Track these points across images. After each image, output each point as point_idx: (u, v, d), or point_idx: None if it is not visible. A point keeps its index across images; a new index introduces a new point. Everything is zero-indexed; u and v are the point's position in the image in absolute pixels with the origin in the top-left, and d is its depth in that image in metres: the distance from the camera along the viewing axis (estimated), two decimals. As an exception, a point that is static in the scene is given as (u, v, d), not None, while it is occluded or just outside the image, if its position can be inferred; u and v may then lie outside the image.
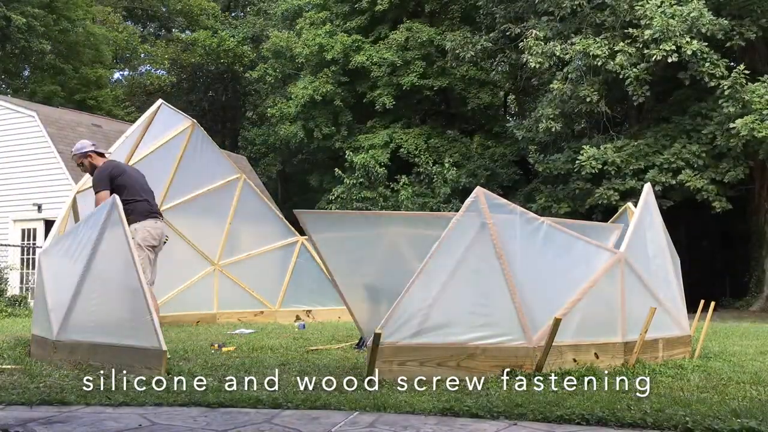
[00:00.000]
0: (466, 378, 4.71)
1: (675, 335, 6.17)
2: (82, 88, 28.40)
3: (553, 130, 15.55)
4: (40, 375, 4.92)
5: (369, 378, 4.67)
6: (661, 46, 12.66)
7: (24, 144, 17.66)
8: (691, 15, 12.55)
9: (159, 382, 4.58)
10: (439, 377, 4.74)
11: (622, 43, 13.42)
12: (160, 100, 8.50)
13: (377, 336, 4.70)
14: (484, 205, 5.31)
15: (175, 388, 4.36)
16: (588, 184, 15.36)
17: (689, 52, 12.58)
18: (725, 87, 12.56)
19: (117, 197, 5.73)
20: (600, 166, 14.36)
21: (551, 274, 5.51)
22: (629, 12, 13.38)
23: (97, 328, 5.52)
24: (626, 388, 4.47)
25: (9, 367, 5.32)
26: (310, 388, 4.43)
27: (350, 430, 3.46)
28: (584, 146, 14.82)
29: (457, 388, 4.46)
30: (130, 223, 5.77)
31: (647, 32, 12.84)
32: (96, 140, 18.79)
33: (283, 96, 25.31)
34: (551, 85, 14.81)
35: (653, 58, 12.90)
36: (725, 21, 12.73)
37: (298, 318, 9.35)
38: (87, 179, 7.02)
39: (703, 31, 12.56)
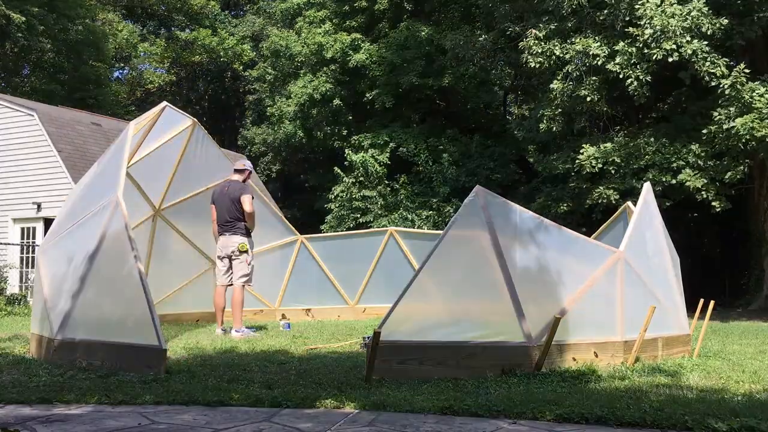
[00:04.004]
0: (466, 377, 4.71)
1: (674, 334, 6.18)
2: (82, 87, 28.37)
3: (553, 129, 15.54)
4: (39, 373, 4.92)
5: (368, 377, 4.67)
6: (662, 45, 12.66)
7: (23, 142, 17.65)
8: (691, 14, 12.55)
9: (159, 381, 4.58)
10: (438, 376, 4.74)
11: (622, 43, 13.40)
12: (164, 103, 8.50)
13: (377, 335, 4.70)
14: (484, 204, 5.31)
15: (175, 387, 4.36)
16: (588, 184, 15.35)
17: (689, 51, 12.57)
18: (725, 86, 12.55)
19: (119, 197, 5.76)
20: (600, 166, 14.34)
21: (550, 272, 5.51)
22: (629, 12, 13.36)
23: (97, 327, 5.52)
24: (625, 387, 4.47)
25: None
26: (310, 386, 4.43)
27: (350, 428, 3.46)
28: (584, 145, 14.80)
29: (456, 386, 4.46)
30: None
31: (647, 32, 12.82)
32: (95, 139, 18.85)
33: (282, 95, 25.30)
34: (551, 85, 14.78)
35: (653, 58, 12.88)
36: (725, 20, 12.71)
37: (283, 317, 9.30)
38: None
39: (704, 30, 12.55)
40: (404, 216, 19.91)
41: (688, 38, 12.67)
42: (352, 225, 20.27)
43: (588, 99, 14.28)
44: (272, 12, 29.32)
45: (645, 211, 6.35)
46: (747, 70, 12.72)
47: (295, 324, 9.39)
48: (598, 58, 13.68)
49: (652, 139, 14.30)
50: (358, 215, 20.64)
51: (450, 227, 5.26)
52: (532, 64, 14.87)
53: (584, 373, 4.90)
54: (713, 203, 13.58)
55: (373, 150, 21.35)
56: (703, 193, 13.49)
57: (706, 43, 12.73)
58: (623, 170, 14.30)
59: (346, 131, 23.35)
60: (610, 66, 13.52)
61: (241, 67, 32.01)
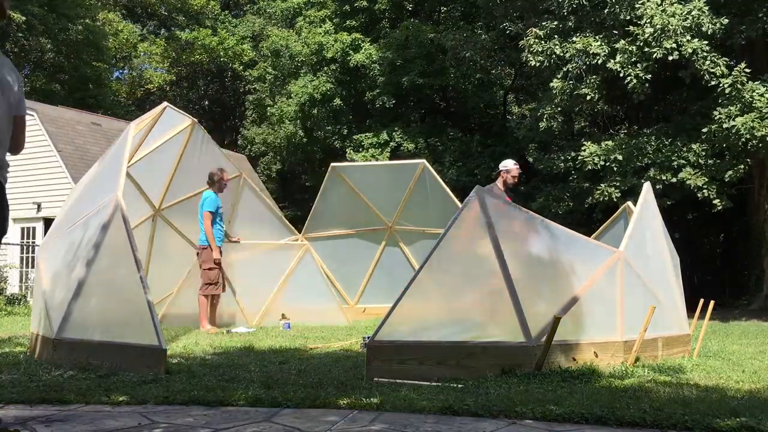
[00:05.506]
0: (466, 377, 4.71)
1: (674, 334, 6.17)
2: (82, 87, 28.38)
3: (553, 127, 15.54)
4: (39, 373, 4.91)
5: (368, 376, 4.67)
6: (662, 44, 12.65)
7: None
8: (692, 14, 12.55)
9: (159, 381, 4.58)
10: (438, 376, 4.74)
11: (622, 41, 13.40)
12: (165, 103, 8.51)
13: (377, 334, 4.71)
14: (484, 203, 5.31)
15: (175, 387, 4.36)
16: (588, 183, 15.36)
17: (689, 50, 12.57)
18: (726, 85, 12.55)
19: (119, 197, 5.75)
20: (602, 163, 14.32)
21: (550, 272, 5.51)
22: (629, 11, 13.36)
23: (98, 327, 5.52)
24: (625, 387, 4.46)
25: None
26: (310, 386, 4.43)
27: (350, 428, 3.45)
28: (585, 143, 14.81)
29: (456, 386, 4.46)
30: None
31: (647, 30, 12.82)
32: (95, 139, 18.84)
33: (282, 95, 25.31)
34: (551, 84, 14.78)
35: (654, 57, 12.88)
36: (725, 20, 12.72)
37: (283, 317, 9.29)
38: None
39: (704, 29, 12.55)
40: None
41: (689, 37, 12.67)
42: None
43: (588, 98, 14.28)
44: (272, 12, 29.32)
45: (645, 211, 6.34)
46: (747, 70, 12.72)
47: (295, 324, 9.38)
48: (598, 57, 13.68)
49: (652, 138, 14.30)
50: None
51: (450, 227, 5.26)
52: (533, 63, 14.86)
53: (584, 373, 4.89)
54: (714, 202, 13.56)
55: (374, 149, 21.35)
56: (704, 191, 13.48)
57: (706, 42, 12.73)
58: (625, 168, 14.29)
59: (346, 131, 23.35)
60: (610, 64, 13.52)
61: (241, 67, 32.02)
